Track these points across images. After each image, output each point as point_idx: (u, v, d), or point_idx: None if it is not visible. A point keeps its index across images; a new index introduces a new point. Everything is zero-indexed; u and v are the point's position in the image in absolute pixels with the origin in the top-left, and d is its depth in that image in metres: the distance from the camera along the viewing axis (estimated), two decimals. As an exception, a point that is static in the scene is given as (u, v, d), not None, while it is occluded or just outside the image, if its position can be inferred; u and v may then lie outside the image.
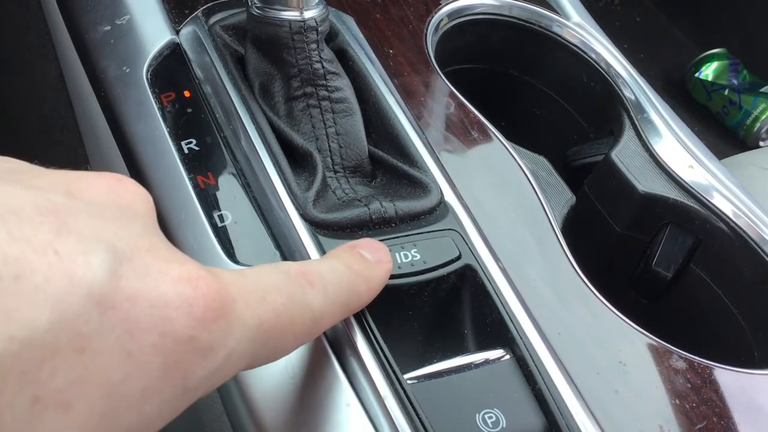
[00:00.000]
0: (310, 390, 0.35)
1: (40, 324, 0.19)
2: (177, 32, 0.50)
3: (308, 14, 0.44)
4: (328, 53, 0.46)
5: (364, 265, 0.33)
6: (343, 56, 0.49)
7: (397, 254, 0.38)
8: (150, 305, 0.22)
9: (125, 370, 0.21)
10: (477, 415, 0.34)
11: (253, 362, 0.27)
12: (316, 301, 0.29)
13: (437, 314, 0.39)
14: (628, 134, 0.56)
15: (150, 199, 0.26)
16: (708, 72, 1.56)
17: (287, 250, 0.40)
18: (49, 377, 0.19)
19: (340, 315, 0.32)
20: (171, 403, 0.23)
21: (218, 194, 0.42)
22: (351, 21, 0.54)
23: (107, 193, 0.24)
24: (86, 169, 0.66)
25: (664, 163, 0.54)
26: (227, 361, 0.24)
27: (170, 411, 0.23)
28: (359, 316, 0.36)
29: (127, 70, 0.48)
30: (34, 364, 0.19)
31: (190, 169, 0.43)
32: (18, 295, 0.19)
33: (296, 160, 0.44)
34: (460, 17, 0.60)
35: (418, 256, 0.39)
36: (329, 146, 0.45)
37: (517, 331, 0.38)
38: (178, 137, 0.44)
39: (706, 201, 0.52)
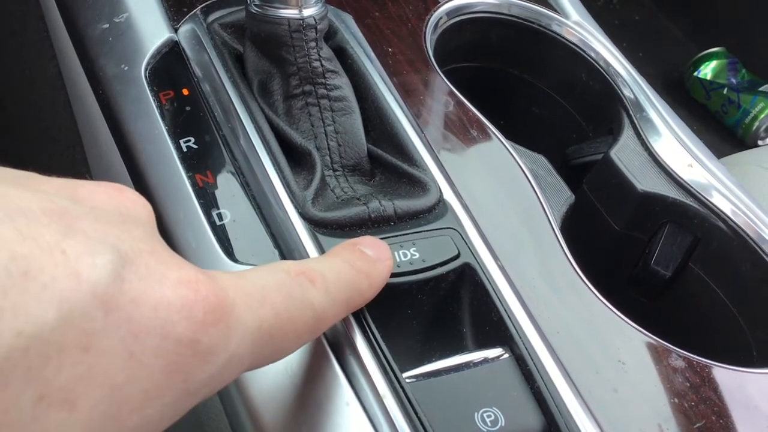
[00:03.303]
0: (309, 389, 0.35)
1: (48, 321, 0.19)
2: (175, 30, 0.50)
3: (307, 12, 0.44)
4: (327, 51, 0.46)
5: (366, 262, 0.34)
6: (342, 54, 0.49)
7: (396, 253, 0.38)
8: (152, 308, 0.22)
9: (128, 372, 0.21)
10: (476, 413, 0.34)
11: (255, 363, 0.27)
12: (318, 298, 0.29)
13: (436, 313, 0.39)
14: (627, 133, 0.56)
15: (150, 207, 0.26)
16: (707, 71, 1.56)
17: (286, 248, 0.40)
18: (54, 375, 0.19)
19: (342, 312, 0.32)
20: (172, 407, 0.23)
21: (217, 193, 0.42)
22: (350, 19, 0.54)
23: (109, 201, 0.25)
24: (85, 168, 0.66)
25: (663, 162, 0.54)
26: (228, 364, 0.25)
27: (171, 414, 0.23)
28: (358, 316, 0.36)
29: (126, 68, 0.48)
30: (40, 361, 0.19)
31: (188, 168, 0.43)
32: (26, 292, 0.19)
33: (295, 158, 0.44)
34: (459, 15, 0.60)
35: (417, 255, 0.38)
36: (328, 145, 0.45)
37: (516, 330, 0.38)
38: (176, 136, 0.44)
39: (705, 200, 0.52)
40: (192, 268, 0.24)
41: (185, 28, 0.50)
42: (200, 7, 0.51)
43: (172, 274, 0.23)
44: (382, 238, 0.38)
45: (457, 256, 0.39)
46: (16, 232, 0.19)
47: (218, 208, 0.41)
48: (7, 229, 0.19)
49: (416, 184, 0.43)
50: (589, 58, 0.61)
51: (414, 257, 0.38)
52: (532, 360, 0.37)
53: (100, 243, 0.21)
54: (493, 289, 0.39)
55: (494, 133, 0.50)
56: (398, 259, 0.38)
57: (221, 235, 0.40)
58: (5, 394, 0.19)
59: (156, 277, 0.22)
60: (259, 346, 0.26)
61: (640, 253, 0.56)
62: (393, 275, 0.36)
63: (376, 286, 0.34)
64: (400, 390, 0.34)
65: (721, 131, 1.55)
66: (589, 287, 0.43)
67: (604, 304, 0.42)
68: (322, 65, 0.45)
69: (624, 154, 0.55)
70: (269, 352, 0.28)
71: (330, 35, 0.50)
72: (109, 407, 0.21)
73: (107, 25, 0.50)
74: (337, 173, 0.44)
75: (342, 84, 0.46)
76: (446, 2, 0.59)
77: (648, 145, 0.55)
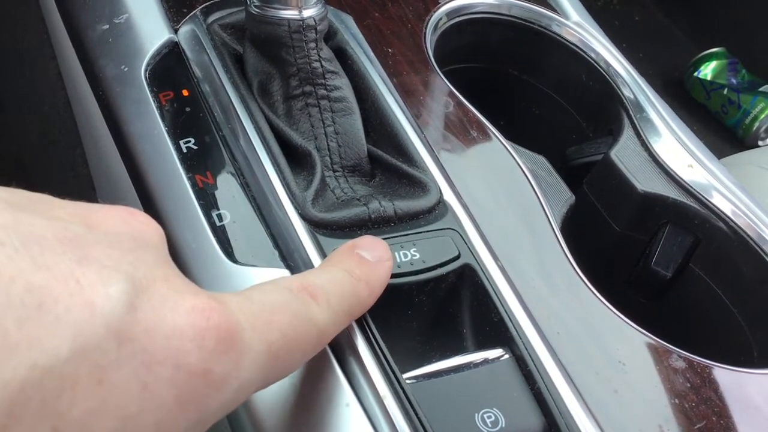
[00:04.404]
0: (309, 390, 0.35)
1: (62, 353, 0.19)
2: (175, 31, 0.50)
3: (307, 13, 0.44)
4: (326, 52, 0.46)
5: (365, 269, 0.33)
6: (342, 55, 0.49)
7: (396, 253, 0.38)
8: (165, 337, 0.22)
9: (141, 403, 0.21)
10: (476, 414, 0.34)
11: (263, 385, 0.27)
12: (321, 315, 0.29)
13: (436, 314, 0.39)
14: (628, 133, 0.56)
15: (161, 230, 0.27)
16: (707, 71, 1.56)
17: (286, 249, 0.40)
18: (68, 408, 0.19)
19: (344, 324, 0.32)
20: None
21: (217, 193, 0.42)
22: (350, 20, 0.54)
23: (122, 225, 0.25)
24: (85, 168, 0.66)
25: (664, 162, 0.54)
26: (239, 391, 0.25)
27: None
28: (359, 317, 0.36)
29: (126, 69, 0.48)
30: (54, 394, 0.19)
31: (188, 169, 0.43)
32: (41, 324, 0.19)
33: (295, 159, 0.44)
34: (459, 16, 0.60)
35: (418, 256, 0.38)
36: (328, 145, 0.45)
37: (516, 331, 0.38)
38: (176, 136, 0.44)
39: (705, 200, 0.52)
40: (204, 294, 0.24)
41: (185, 29, 0.50)
42: (200, 7, 0.51)
43: (185, 302, 0.23)
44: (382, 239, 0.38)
45: (457, 257, 0.39)
46: (32, 261, 0.19)
47: (218, 209, 0.41)
48: (23, 258, 0.19)
49: (416, 184, 0.43)
50: (589, 58, 0.61)
51: (414, 258, 0.38)
52: (533, 361, 0.37)
53: (115, 271, 0.21)
54: (493, 289, 0.39)
55: (494, 134, 0.50)
56: (399, 260, 0.38)
57: (221, 235, 0.40)
58: (19, 428, 0.18)
59: (169, 305, 0.22)
60: (267, 368, 0.26)
61: (641, 253, 0.56)
62: (393, 275, 0.36)
63: (377, 293, 0.34)
64: (400, 391, 0.34)
65: (722, 132, 1.55)
66: (589, 288, 0.43)
67: (605, 304, 0.42)
68: (322, 66, 0.45)
69: (624, 154, 0.55)
70: (277, 373, 0.28)
71: (330, 36, 0.50)
72: None
73: (107, 26, 0.50)
74: (337, 174, 0.44)
75: (342, 85, 0.46)
76: (446, 3, 0.59)
77: (648, 145, 0.55)
